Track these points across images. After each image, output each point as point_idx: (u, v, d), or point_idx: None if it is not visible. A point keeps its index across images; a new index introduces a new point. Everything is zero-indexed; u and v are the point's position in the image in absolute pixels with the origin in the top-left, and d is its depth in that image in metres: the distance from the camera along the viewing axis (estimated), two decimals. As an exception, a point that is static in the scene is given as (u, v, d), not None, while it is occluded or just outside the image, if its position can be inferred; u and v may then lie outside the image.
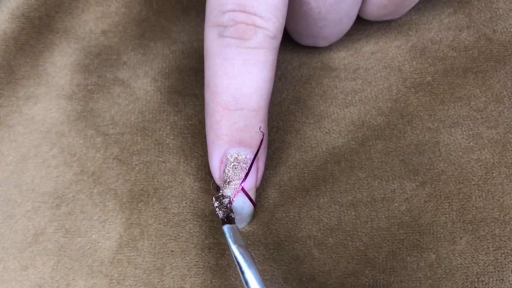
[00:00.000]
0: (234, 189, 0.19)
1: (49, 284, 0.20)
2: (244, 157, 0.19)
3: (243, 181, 0.19)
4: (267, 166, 0.23)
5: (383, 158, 0.23)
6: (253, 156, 0.20)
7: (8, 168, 0.23)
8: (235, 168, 0.19)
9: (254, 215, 0.21)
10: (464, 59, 0.25)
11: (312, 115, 0.24)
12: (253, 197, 0.20)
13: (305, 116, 0.24)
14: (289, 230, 0.21)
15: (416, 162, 0.22)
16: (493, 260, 0.20)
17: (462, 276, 0.20)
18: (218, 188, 0.20)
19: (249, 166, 0.19)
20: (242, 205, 0.20)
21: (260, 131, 0.20)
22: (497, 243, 0.20)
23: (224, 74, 0.19)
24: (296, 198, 0.22)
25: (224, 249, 0.21)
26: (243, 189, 0.19)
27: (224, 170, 0.20)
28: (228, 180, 0.20)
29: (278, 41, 0.20)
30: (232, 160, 0.19)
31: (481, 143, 0.23)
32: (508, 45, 0.25)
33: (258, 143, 0.20)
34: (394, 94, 0.24)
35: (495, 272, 0.20)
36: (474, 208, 0.21)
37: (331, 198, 0.22)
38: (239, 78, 0.19)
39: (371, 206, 0.21)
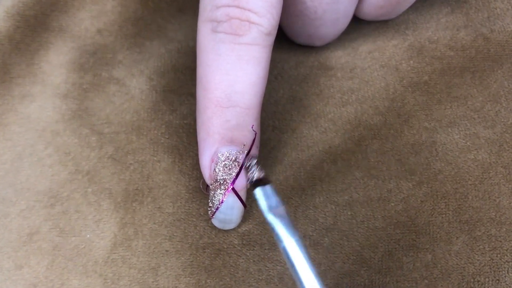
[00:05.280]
0: (225, 189, 0.19)
1: (44, 283, 0.20)
2: (236, 156, 0.19)
3: (233, 180, 0.19)
4: (263, 165, 0.22)
5: (379, 157, 0.22)
6: (244, 155, 0.19)
7: (3, 167, 0.23)
8: (226, 167, 0.19)
9: (248, 215, 0.21)
10: (462, 59, 0.25)
11: (309, 114, 0.24)
12: (243, 198, 0.20)
13: (301, 115, 0.24)
14: (285, 230, 0.21)
15: (413, 161, 0.22)
16: (489, 260, 0.20)
17: (458, 276, 0.20)
18: (208, 187, 0.20)
19: (240, 166, 0.19)
20: (232, 205, 0.19)
21: (253, 130, 0.20)
22: (493, 244, 0.20)
23: (217, 70, 0.19)
24: (292, 198, 0.22)
25: (219, 249, 0.21)
26: (233, 189, 0.19)
27: (214, 169, 0.19)
28: (218, 179, 0.19)
29: (272, 38, 0.20)
30: (223, 159, 0.19)
31: (478, 143, 0.22)
32: (506, 44, 0.25)
33: (251, 142, 0.20)
34: (391, 93, 0.24)
35: (491, 272, 0.20)
36: (470, 208, 0.21)
37: (327, 197, 0.22)
38: (232, 75, 0.19)
39: (367, 206, 0.21)
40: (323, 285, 0.15)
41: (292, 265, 0.15)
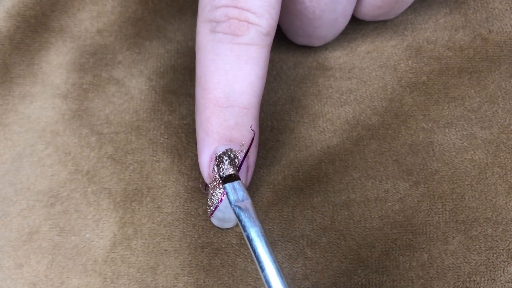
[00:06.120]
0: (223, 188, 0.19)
1: (44, 282, 0.20)
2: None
3: None
4: (261, 165, 0.23)
5: (377, 158, 0.23)
6: (243, 155, 0.19)
7: (4, 166, 0.23)
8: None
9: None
10: (460, 59, 0.25)
11: (307, 114, 0.24)
12: None
13: (299, 116, 0.24)
14: (283, 230, 0.21)
15: (410, 162, 0.22)
16: (485, 260, 0.20)
17: (453, 275, 0.20)
18: (207, 186, 0.20)
19: (239, 164, 0.19)
20: None
21: (251, 130, 0.20)
22: (489, 243, 0.20)
23: (216, 70, 0.19)
24: (290, 198, 0.22)
25: (217, 249, 0.21)
26: None
27: (213, 168, 0.19)
28: (217, 178, 0.19)
29: (271, 38, 0.20)
30: None
31: (475, 144, 0.23)
32: (504, 45, 0.25)
33: (249, 142, 0.20)
34: (389, 93, 0.24)
35: (486, 272, 0.20)
36: (467, 208, 0.21)
37: (325, 197, 0.22)
38: (230, 74, 0.19)
39: (364, 206, 0.21)
40: (279, 268, 0.16)
41: (253, 251, 0.17)
